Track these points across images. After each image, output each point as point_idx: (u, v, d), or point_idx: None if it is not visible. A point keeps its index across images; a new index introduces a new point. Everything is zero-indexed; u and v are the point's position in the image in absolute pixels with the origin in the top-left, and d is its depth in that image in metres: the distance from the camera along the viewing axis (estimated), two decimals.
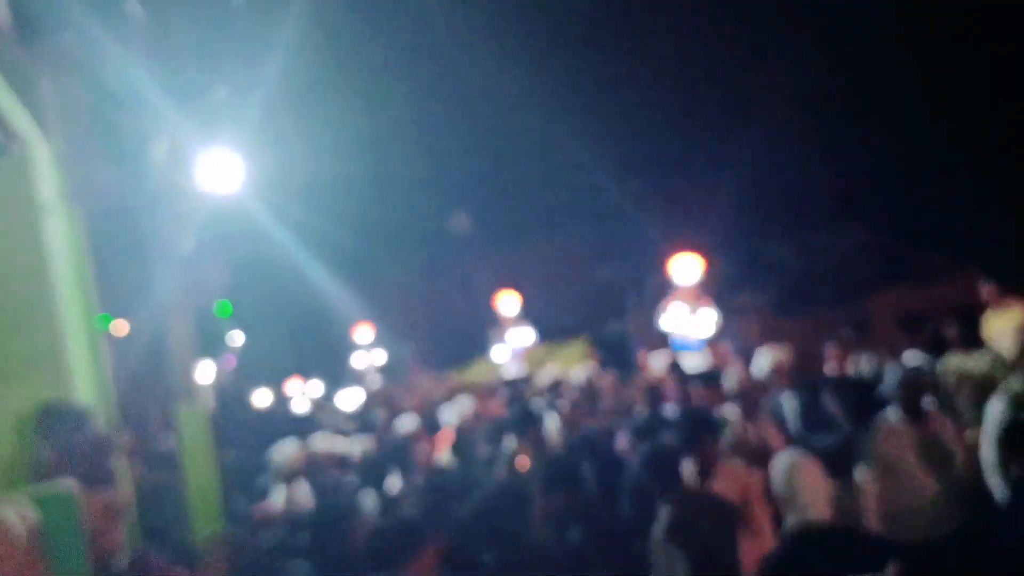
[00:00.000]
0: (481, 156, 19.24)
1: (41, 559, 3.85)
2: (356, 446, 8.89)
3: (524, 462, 6.81)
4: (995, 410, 5.15)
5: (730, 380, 8.20)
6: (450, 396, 12.64)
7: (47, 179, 6.49)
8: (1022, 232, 13.65)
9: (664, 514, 4.80)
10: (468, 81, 17.00)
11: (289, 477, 7.37)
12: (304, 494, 7.27)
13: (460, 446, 8.15)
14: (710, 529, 4.74)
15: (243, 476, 9.02)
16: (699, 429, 5.81)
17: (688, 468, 5.29)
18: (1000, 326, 8.21)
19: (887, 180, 16.45)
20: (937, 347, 7.96)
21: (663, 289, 15.30)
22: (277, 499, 7.36)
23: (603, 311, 18.39)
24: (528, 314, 22.38)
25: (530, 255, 20.12)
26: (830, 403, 6.73)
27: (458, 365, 18.42)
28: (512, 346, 14.99)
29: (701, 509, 5.01)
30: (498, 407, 10.58)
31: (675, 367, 9.47)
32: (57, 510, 4.01)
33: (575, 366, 12.80)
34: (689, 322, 11.24)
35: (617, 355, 13.73)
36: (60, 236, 6.72)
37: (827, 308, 14.45)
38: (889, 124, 15.91)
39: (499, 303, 15.96)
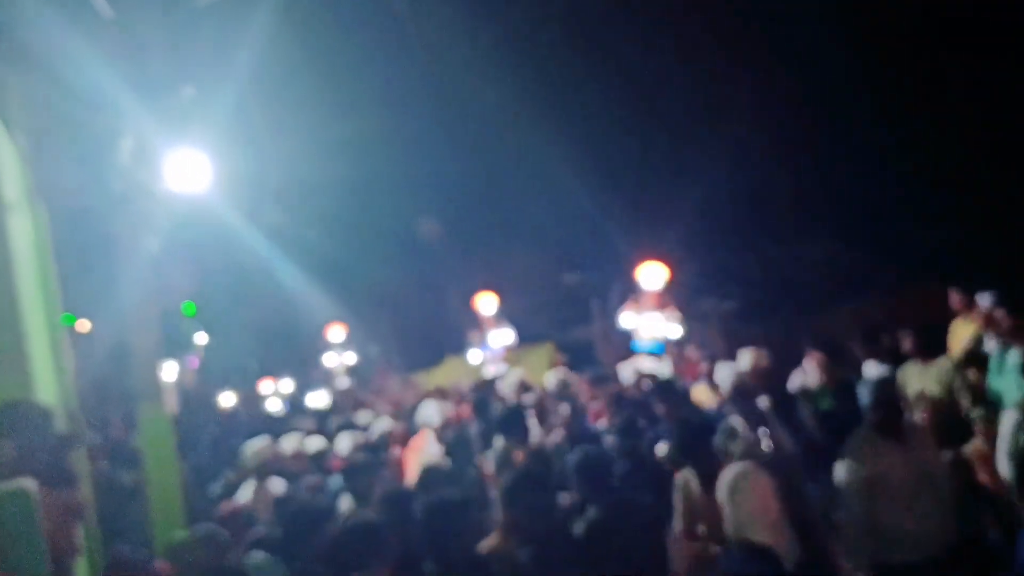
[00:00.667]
0: (452, 161, 19.29)
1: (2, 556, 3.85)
2: (333, 445, 8.83)
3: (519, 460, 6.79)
4: (1007, 429, 5.10)
5: (725, 382, 7.96)
6: (421, 399, 12.58)
7: (11, 177, 6.45)
8: (982, 243, 13.94)
9: (588, 516, 4.77)
10: (441, 87, 17.05)
11: (258, 474, 7.34)
12: (272, 491, 7.25)
13: (452, 447, 8.11)
14: (632, 534, 4.70)
15: (206, 476, 9.00)
16: (697, 436, 5.81)
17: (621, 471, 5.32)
18: (965, 335, 8.38)
19: (847, 192, 16.73)
20: (896, 358, 8.08)
21: (627, 295, 15.49)
22: (244, 496, 7.33)
23: (569, 317, 18.48)
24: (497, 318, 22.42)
25: (498, 259, 20.20)
26: (805, 412, 6.71)
27: (424, 368, 18.39)
28: (492, 347, 14.96)
29: (626, 514, 4.92)
30: (468, 410, 10.46)
31: (645, 376, 9.45)
32: (15, 508, 4.00)
33: (543, 371, 12.80)
34: (652, 326, 11.30)
35: (582, 361, 13.80)
36: (24, 235, 6.67)
37: (788, 318, 14.64)
38: (849, 135, 16.22)
39: (478, 303, 15.94)
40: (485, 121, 17.46)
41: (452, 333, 22.64)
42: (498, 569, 4.19)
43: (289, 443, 8.17)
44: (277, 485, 7.36)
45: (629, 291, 15.21)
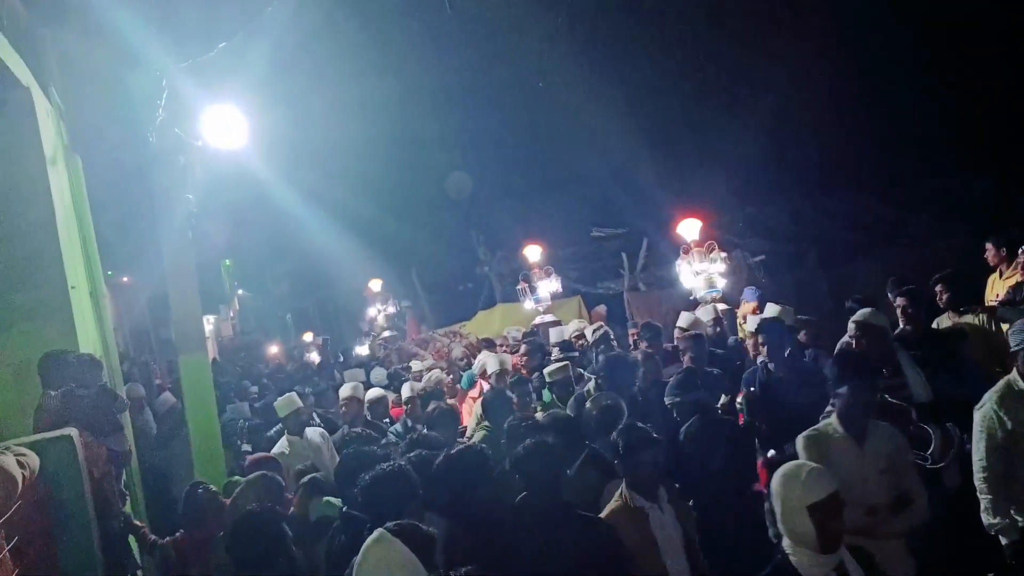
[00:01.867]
0: (489, 116, 19.19)
1: (43, 503, 4.00)
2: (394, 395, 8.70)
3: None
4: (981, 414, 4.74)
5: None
6: (472, 351, 12.50)
7: (49, 131, 6.56)
8: (1011, 195, 13.66)
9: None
10: (481, 40, 16.87)
11: (289, 424, 7.33)
12: (310, 440, 7.22)
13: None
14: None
15: (249, 426, 9.10)
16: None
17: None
18: (1000, 288, 8.21)
19: (880, 144, 16.43)
20: (930, 309, 7.92)
21: (657, 252, 15.46)
22: (280, 445, 7.35)
23: (598, 271, 18.34)
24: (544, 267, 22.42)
25: (528, 214, 20.18)
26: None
27: (454, 322, 18.42)
28: (540, 296, 14.77)
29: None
30: (519, 361, 10.28)
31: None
32: (58, 456, 4.14)
33: (571, 324, 12.73)
34: (705, 275, 11.10)
35: (610, 316, 13.75)
36: (63, 189, 6.81)
37: (813, 269, 14.47)
38: (878, 89, 15.95)
39: (526, 253, 15.74)
40: (529, 76, 17.32)
41: (482, 288, 22.73)
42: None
43: (343, 391, 8.11)
44: (312, 434, 7.39)
45: (657, 248, 15.19)
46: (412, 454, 4.73)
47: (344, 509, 4.50)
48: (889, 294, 7.92)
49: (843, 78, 15.96)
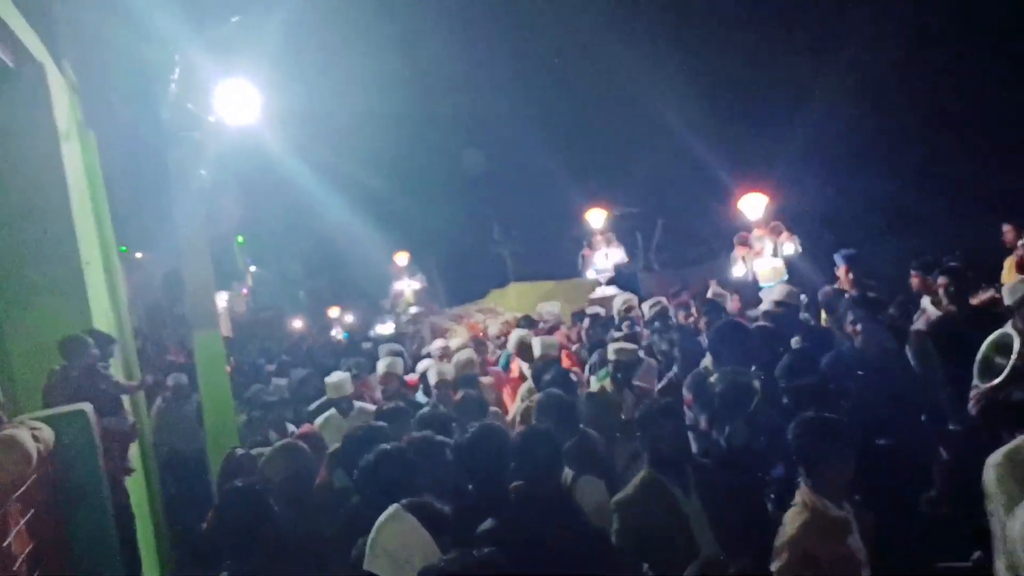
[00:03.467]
0: (506, 96, 18.98)
1: (57, 477, 4.02)
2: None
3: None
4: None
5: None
6: (509, 328, 11.92)
7: (63, 106, 6.55)
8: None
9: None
10: (510, 11, 16.60)
11: (333, 402, 7.16)
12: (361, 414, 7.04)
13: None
14: None
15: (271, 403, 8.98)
16: None
17: None
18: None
19: (898, 131, 16.26)
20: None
21: (667, 231, 15.33)
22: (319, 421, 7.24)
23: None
24: (544, 251, 22.30)
25: (537, 196, 20.09)
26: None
27: (468, 301, 18.37)
28: (600, 267, 13.80)
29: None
30: (563, 337, 9.77)
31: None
32: (74, 431, 4.16)
33: (582, 303, 12.53)
34: (769, 262, 10.16)
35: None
36: (77, 164, 6.80)
37: (829, 251, 14.36)
38: (912, 80, 15.79)
39: (588, 218, 14.59)
40: (571, 49, 17.04)
41: (496, 267, 22.70)
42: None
43: (379, 366, 7.95)
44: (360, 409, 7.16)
45: (672, 226, 14.97)
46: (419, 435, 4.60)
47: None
48: (914, 273, 7.71)
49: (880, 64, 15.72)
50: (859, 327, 5.54)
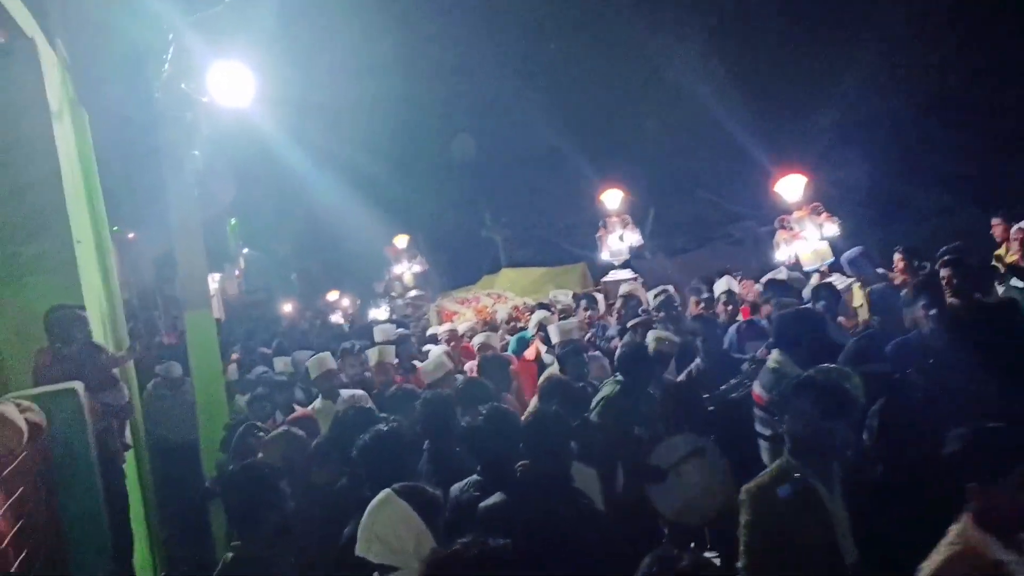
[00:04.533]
0: (503, 78, 18.80)
1: (47, 455, 4.03)
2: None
3: None
4: None
5: None
6: (518, 313, 11.78)
7: (55, 83, 6.51)
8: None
9: None
10: None
11: (321, 386, 7.08)
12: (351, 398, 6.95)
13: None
14: None
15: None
16: None
17: None
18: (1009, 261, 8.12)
19: (888, 117, 16.20)
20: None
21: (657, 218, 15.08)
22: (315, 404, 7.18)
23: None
24: (535, 237, 22.27)
25: (524, 183, 20.01)
26: None
27: (460, 285, 18.28)
28: (615, 250, 13.34)
29: None
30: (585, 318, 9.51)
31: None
32: (63, 410, 4.16)
33: (576, 291, 12.52)
34: (811, 245, 9.87)
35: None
36: (69, 143, 6.77)
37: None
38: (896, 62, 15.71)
39: (604, 199, 14.09)
40: (552, 38, 16.85)
41: (489, 252, 22.67)
42: None
43: (371, 355, 7.81)
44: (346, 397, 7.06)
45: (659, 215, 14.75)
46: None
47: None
48: (898, 258, 7.67)
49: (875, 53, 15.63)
50: (933, 312, 4.87)
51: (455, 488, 4.02)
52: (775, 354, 5.24)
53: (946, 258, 6.01)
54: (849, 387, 3.80)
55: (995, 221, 8.69)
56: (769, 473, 3.53)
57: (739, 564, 3.41)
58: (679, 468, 5.13)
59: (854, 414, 3.69)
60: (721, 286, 8.91)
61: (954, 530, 2.78)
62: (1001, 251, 8.43)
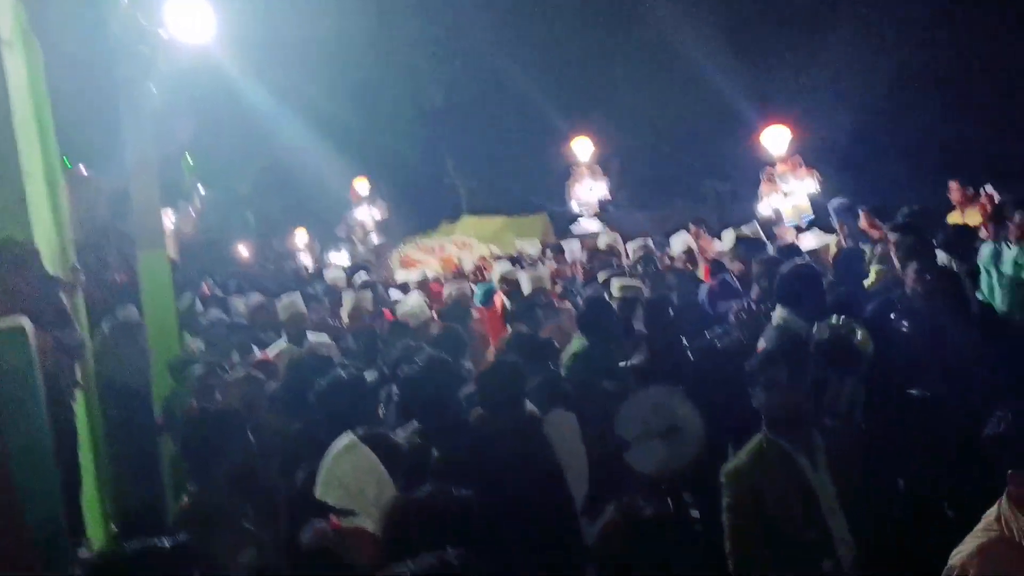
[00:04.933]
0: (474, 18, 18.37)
1: None
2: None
3: None
4: None
5: None
6: (484, 264, 11.72)
7: (5, 10, 6.30)
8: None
9: None
10: None
11: (287, 330, 7.04)
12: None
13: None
14: None
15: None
16: None
17: None
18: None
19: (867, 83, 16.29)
20: None
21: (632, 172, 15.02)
22: (274, 349, 7.16)
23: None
24: (498, 187, 22.13)
25: (490, 129, 19.79)
26: None
27: (419, 232, 18.08)
28: (582, 200, 12.92)
29: None
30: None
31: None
32: (9, 345, 4.11)
33: (536, 241, 12.51)
34: (797, 198, 9.55)
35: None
36: (20, 74, 6.57)
37: None
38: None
39: (573, 148, 13.47)
40: None
41: (447, 198, 22.45)
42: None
43: (346, 300, 7.75)
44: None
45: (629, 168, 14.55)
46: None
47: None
48: (864, 215, 7.69)
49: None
50: (914, 265, 4.77)
51: (398, 434, 4.07)
52: (780, 311, 5.14)
53: (900, 223, 6.08)
54: (856, 340, 3.80)
55: (952, 184, 8.78)
56: (747, 451, 3.45)
57: (727, 548, 3.36)
58: (648, 442, 4.93)
59: (862, 367, 3.71)
60: (679, 244, 8.96)
61: (991, 515, 2.68)
62: (956, 215, 8.55)
